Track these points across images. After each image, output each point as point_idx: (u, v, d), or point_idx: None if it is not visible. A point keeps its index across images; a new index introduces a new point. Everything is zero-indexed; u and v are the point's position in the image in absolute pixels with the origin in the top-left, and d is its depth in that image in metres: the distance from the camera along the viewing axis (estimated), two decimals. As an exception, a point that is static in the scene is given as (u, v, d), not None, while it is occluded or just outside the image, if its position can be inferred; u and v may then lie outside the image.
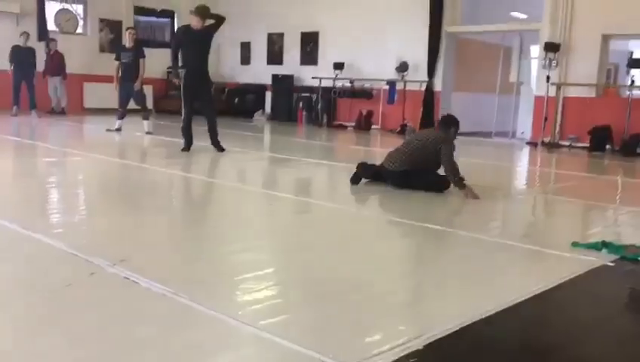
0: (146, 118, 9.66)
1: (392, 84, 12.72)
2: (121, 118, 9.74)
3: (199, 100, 7.54)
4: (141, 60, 9.53)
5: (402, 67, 12.55)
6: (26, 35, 12.00)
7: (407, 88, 12.58)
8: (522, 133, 12.20)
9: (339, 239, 3.69)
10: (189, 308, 2.30)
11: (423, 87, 12.35)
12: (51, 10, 13.84)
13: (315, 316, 2.32)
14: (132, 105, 9.76)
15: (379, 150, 10.21)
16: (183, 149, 7.49)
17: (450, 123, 5.43)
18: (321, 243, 3.54)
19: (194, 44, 7.34)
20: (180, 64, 7.39)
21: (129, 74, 9.46)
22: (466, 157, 5.75)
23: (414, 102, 12.47)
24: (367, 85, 13.33)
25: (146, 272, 2.64)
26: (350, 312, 2.37)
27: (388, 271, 3.05)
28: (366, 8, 13.11)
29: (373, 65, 13.07)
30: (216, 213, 4.43)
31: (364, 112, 13.21)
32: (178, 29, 7.46)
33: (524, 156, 10.06)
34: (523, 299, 2.56)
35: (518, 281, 2.92)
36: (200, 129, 7.83)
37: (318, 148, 10.02)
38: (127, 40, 9.76)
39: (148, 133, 9.50)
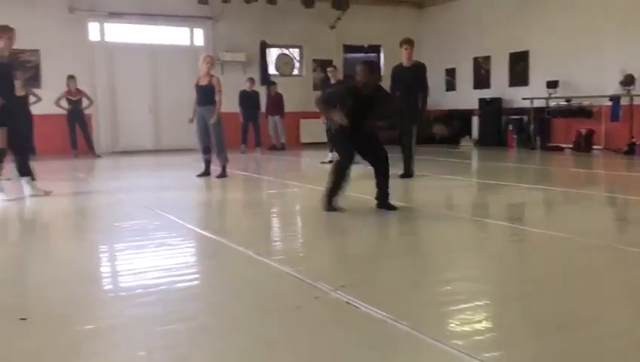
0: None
1: (615, 99, 11.57)
2: (332, 150, 10.33)
3: (403, 131, 7.90)
4: None
5: (627, 80, 11.35)
6: (251, 80, 13.44)
7: (635, 103, 11.32)
8: None
9: (560, 269, 3.43)
10: (409, 336, 2.33)
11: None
12: (272, 56, 15.33)
13: (539, 352, 2.18)
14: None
15: (602, 172, 9.33)
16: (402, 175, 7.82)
17: None
18: (541, 274, 3.32)
19: (402, 81, 7.81)
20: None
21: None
22: None
23: (644, 118, 11.17)
24: (585, 103, 12.31)
25: (366, 298, 2.74)
26: (578, 350, 2.18)
27: (620, 306, 2.75)
28: (581, 20, 12.20)
29: (593, 81, 12.04)
30: (428, 241, 4.43)
31: (584, 132, 12.18)
32: (393, 68, 8.06)
33: None
34: None
35: None
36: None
37: (532, 172, 9.49)
38: (331, 78, 10.55)
39: (326, 162, 9.99)
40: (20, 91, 11.01)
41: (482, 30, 14.56)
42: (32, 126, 11.36)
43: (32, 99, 11.32)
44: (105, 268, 3.81)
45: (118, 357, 2.22)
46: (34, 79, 12.43)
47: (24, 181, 6.52)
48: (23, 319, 2.58)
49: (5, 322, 2.61)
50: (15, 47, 12.11)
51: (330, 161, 10.22)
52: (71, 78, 12.06)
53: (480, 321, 2.57)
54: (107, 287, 3.30)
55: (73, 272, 3.52)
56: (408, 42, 7.96)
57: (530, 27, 13.37)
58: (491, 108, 14.21)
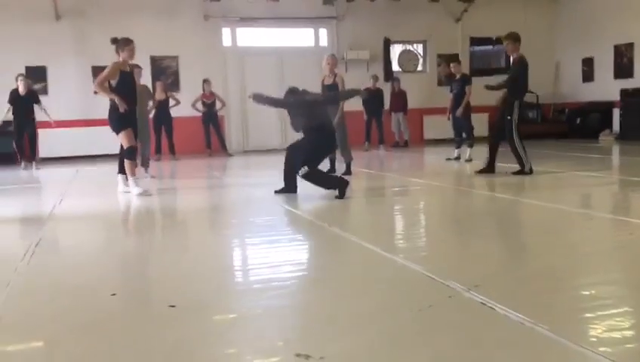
0: (470, 145, 9.88)
1: None
2: (458, 146, 10.10)
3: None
4: (466, 88, 9.82)
5: None
6: (375, 77, 13.47)
7: None
8: None
9: None
10: (551, 340, 2.22)
11: None
12: (395, 52, 15.25)
13: None
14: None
15: None
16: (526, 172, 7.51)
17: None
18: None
19: (509, 74, 7.73)
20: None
21: (457, 103, 9.87)
22: None
23: None
24: None
25: (501, 299, 2.65)
26: None
27: None
28: None
29: None
30: (565, 241, 4.18)
31: None
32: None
33: None
34: None
35: None
36: (537, 152, 7.64)
37: (684, 168, 8.62)
38: (454, 72, 10.25)
39: (467, 160, 9.65)
40: (160, 95, 11.96)
41: (624, 15, 13.45)
42: (172, 127, 12.28)
43: (171, 102, 12.20)
44: (242, 261, 4.02)
45: (259, 345, 2.33)
46: (174, 84, 13.38)
47: (121, 178, 7.05)
48: (172, 306, 2.79)
49: (158, 308, 2.84)
50: (157, 54, 13.27)
51: (457, 158, 10.01)
52: (206, 81, 12.82)
53: (629, 328, 2.38)
54: (244, 279, 3.48)
55: (212, 264, 3.75)
56: (505, 37, 7.60)
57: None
58: (635, 100, 13.08)
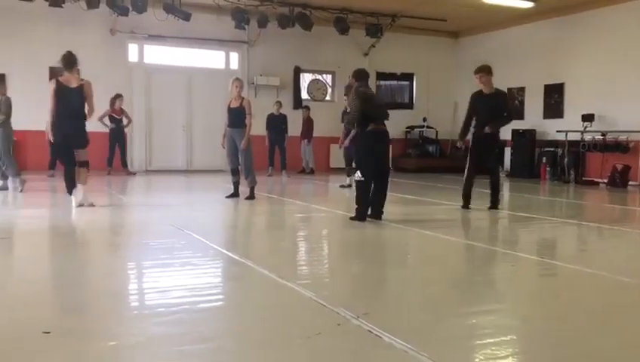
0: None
1: (653, 135, 11.33)
2: (349, 174, 10.39)
3: (484, 160, 7.88)
4: None
5: (666, 116, 11.12)
6: (278, 103, 13.54)
7: (673, 139, 11.08)
8: None
9: (591, 307, 3.32)
10: (430, 368, 2.28)
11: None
12: (305, 81, 15.49)
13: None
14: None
15: (638, 209, 9.09)
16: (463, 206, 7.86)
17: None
18: (571, 311, 3.23)
19: (484, 107, 7.65)
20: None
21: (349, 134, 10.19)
22: None
23: (683, 155, 10.90)
24: (622, 137, 12.07)
25: (388, 327, 2.69)
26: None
27: (657, 350, 2.64)
28: (619, 53, 12.04)
29: (631, 115, 11.82)
30: (454, 272, 4.35)
31: (619, 167, 11.93)
32: (472, 94, 7.98)
33: None
34: None
35: None
36: (432, 185, 7.93)
37: (565, 205, 9.30)
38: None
39: (345, 186, 10.19)
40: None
41: (517, 61, 14.48)
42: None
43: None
44: (130, 286, 3.85)
45: (137, 375, 2.22)
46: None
47: None
48: (47, 333, 2.60)
49: (29, 335, 2.64)
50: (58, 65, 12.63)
51: (349, 185, 10.26)
52: (118, 97, 12.37)
53: (505, 357, 2.49)
54: (132, 304, 3.32)
55: (100, 288, 3.56)
56: (480, 70, 7.81)
57: (567, 59, 13.27)
58: (524, 140, 14.04)
